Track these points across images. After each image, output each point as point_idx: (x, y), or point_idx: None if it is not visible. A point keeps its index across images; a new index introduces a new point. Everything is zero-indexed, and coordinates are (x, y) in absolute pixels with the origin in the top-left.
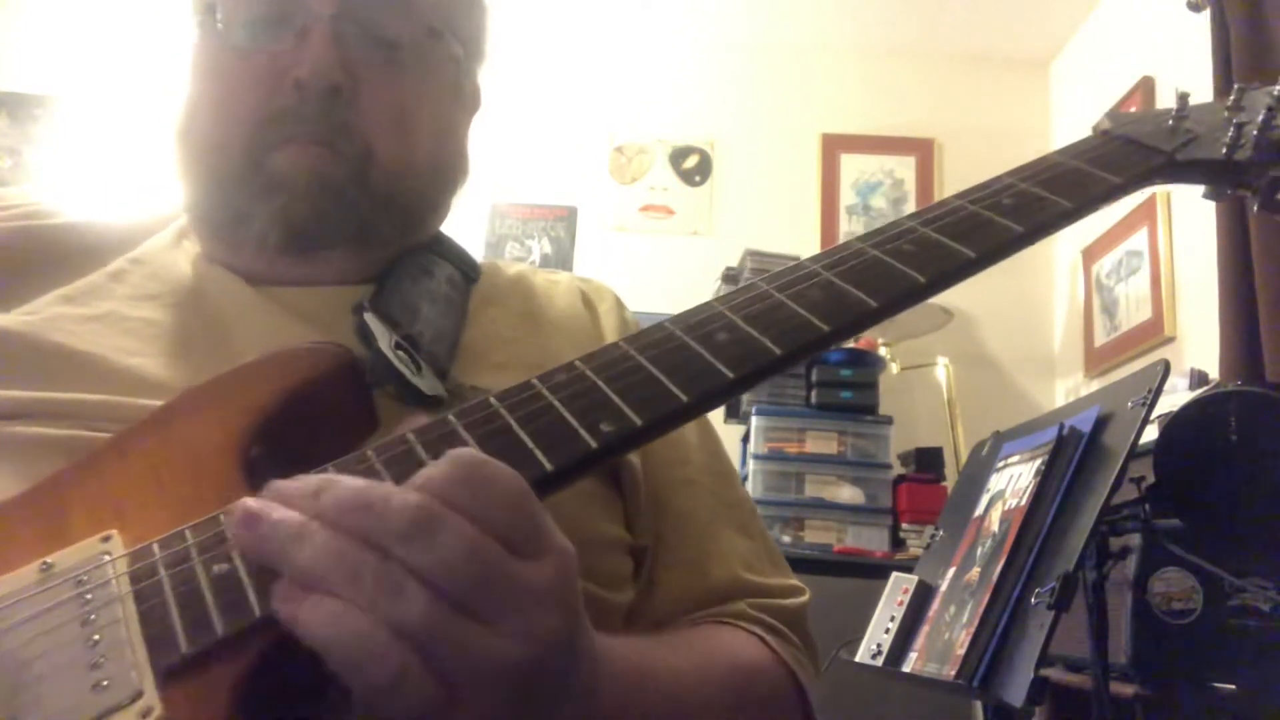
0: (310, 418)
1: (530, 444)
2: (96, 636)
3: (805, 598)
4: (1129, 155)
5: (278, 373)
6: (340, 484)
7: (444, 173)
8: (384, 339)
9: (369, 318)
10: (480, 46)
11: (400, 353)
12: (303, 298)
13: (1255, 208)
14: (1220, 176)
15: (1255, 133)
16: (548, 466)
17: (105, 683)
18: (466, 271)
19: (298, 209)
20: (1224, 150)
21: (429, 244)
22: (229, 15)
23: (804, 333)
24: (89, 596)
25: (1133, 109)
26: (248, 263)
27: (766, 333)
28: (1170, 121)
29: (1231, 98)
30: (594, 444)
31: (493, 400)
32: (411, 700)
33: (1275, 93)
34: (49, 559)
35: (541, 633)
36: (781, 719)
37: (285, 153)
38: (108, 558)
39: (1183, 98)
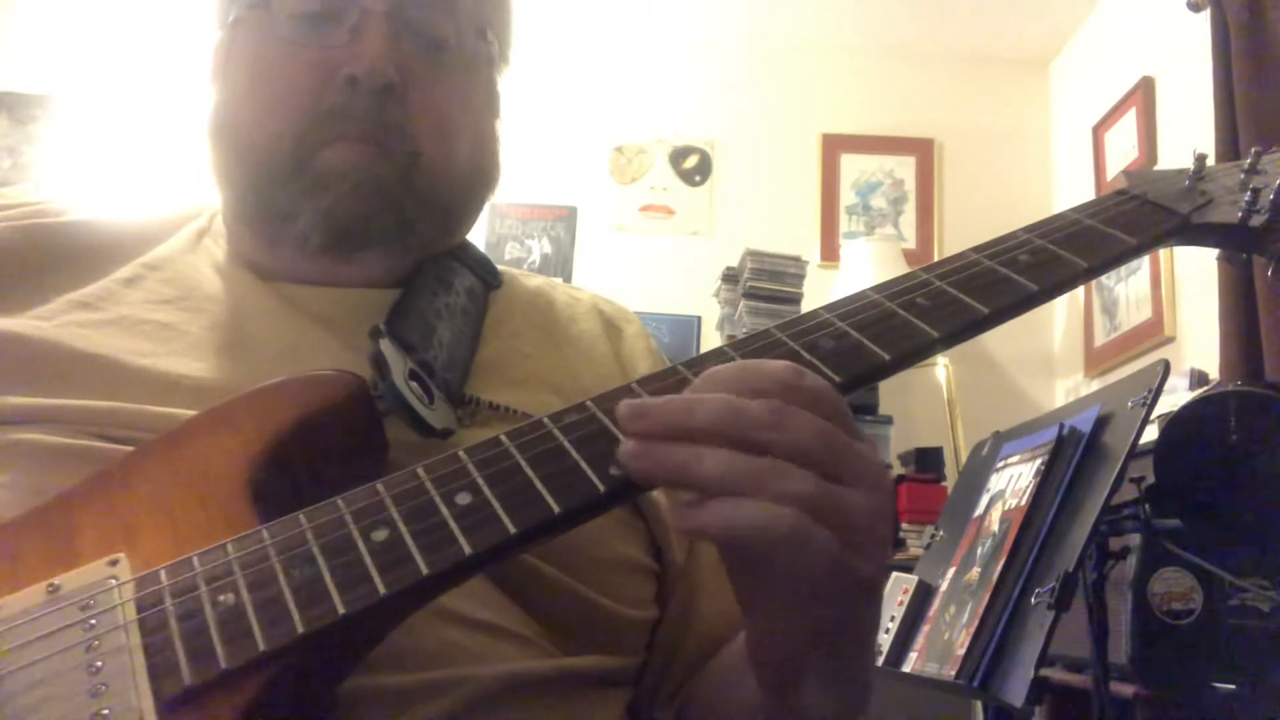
0: (321, 445)
1: (540, 487)
2: (99, 663)
3: None
4: (1145, 216)
5: (290, 401)
6: (707, 401)
7: (482, 176)
8: (398, 369)
9: (385, 345)
10: (508, 51)
11: (413, 383)
12: (326, 302)
13: (1270, 273)
14: (1235, 240)
15: (1271, 197)
16: (555, 509)
17: (105, 711)
18: (487, 279)
19: (345, 208)
20: (1240, 215)
21: (452, 250)
22: (278, 7)
23: None
24: (93, 622)
25: (1132, 109)
26: (281, 262)
27: None
28: (1187, 182)
29: (1248, 160)
30: (601, 488)
31: (504, 438)
32: (813, 549)
33: None
34: (56, 580)
35: (883, 482)
36: None
37: (335, 150)
38: (114, 582)
39: (1200, 158)
